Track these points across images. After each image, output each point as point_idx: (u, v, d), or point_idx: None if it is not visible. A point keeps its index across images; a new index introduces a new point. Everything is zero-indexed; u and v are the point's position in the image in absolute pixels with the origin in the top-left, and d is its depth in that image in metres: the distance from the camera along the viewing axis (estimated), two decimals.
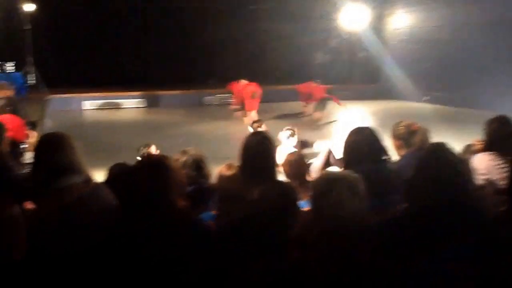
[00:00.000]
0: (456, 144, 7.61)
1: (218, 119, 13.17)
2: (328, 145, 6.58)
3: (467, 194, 2.18)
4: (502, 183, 3.29)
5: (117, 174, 3.41)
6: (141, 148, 5.93)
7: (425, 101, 14.96)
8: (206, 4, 16.91)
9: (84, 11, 16.08)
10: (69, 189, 2.42)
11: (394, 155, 3.51)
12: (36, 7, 15.19)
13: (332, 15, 17.35)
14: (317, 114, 12.88)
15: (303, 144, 6.91)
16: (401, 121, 3.70)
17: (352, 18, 16.95)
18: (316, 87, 13.23)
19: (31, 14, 15.18)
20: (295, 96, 14.02)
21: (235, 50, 17.51)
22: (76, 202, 2.39)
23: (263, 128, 7.61)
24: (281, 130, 7.01)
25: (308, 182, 3.91)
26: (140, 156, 5.72)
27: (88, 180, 2.55)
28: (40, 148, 2.64)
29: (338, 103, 13.13)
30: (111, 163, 7.50)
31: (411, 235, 2.07)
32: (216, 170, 3.89)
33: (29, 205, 2.80)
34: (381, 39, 17.50)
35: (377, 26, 17.54)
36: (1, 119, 5.06)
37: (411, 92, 15.45)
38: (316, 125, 12.04)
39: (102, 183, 2.75)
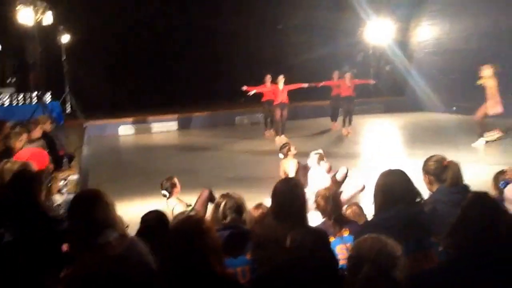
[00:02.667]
0: (484, 154, 7.71)
1: (250, 138, 13.31)
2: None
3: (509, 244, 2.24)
4: None
5: (152, 227, 3.53)
6: (164, 182, 5.96)
7: (453, 112, 14.92)
8: (233, 26, 17.23)
9: (116, 40, 16.68)
10: (109, 245, 2.52)
11: (425, 192, 3.59)
12: (71, 37, 15.83)
13: (358, 30, 17.51)
14: (345, 130, 12.99)
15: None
16: (432, 156, 3.76)
17: (377, 32, 17.06)
18: (343, 81, 13.33)
19: (67, 45, 15.82)
20: (323, 112, 14.09)
21: (263, 68, 17.75)
22: (117, 258, 2.44)
23: (292, 151, 7.60)
24: (309, 155, 7.09)
25: (343, 218, 4.05)
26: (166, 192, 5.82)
27: (124, 235, 2.68)
28: (77, 204, 2.74)
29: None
30: (147, 188, 7.83)
31: (460, 284, 2.13)
32: (249, 206, 4.09)
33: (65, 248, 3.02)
34: (406, 52, 17.55)
35: (403, 39, 17.59)
36: (25, 154, 5.30)
37: (438, 103, 15.43)
38: (346, 140, 12.11)
39: (137, 238, 2.83)
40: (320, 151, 7.25)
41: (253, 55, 17.74)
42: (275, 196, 3.13)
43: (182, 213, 3.72)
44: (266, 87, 12.90)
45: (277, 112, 12.47)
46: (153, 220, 3.67)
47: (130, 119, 15.56)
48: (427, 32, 17.29)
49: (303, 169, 7.28)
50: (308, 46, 17.44)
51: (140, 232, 3.55)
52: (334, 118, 13.91)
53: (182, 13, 17.33)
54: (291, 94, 12.94)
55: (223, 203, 3.57)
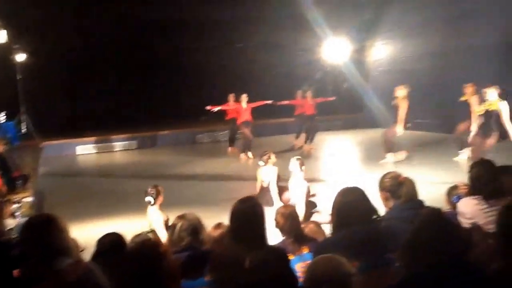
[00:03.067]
0: (438, 167, 7.88)
1: (211, 157, 13.27)
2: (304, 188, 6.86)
3: (465, 259, 2.31)
4: (488, 227, 3.41)
5: (108, 250, 3.45)
6: (150, 189, 5.76)
7: (408, 128, 15.29)
8: (195, 45, 17.24)
9: (73, 58, 16.39)
10: (64, 272, 2.47)
11: (382, 208, 3.66)
12: (27, 56, 15.47)
13: (316, 48, 17.84)
14: (307, 147, 13.12)
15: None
16: (388, 173, 3.82)
17: (334, 50, 17.44)
18: (307, 101, 13.54)
19: (22, 64, 15.44)
20: (286, 130, 14.19)
21: (223, 86, 17.83)
22: (72, 285, 2.43)
23: (272, 159, 7.76)
24: (289, 161, 7.16)
25: (302, 236, 4.05)
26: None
27: (79, 261, 2.62)
28: (29, 229, 2.65)
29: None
30: (104, 209, 7.71)
31: None
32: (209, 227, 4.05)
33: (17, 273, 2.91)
34: (362, 70, 18.00)
35: (359, 58, 18.05)
36: None
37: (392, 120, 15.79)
38: (309, 157, 12.25)
39: (92, 263, 2.79)
40: (300, 156, 7.35)
41: (214, 74, 17.79)
42: (233, 215, 3.09)
43: (138, 235, 3.63)
44: (230, 106, 12.96)
45: (245, 130, 12.55)
46: (108, 243, 3.60)
47: (89, 139, 15.29)
48: (382, 51, 17.82)
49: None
50: (267, 64, 17.61)
51: (95, 256, 3.48)
52: (298, 136, 14.07)
53: (144, 31, 17.20)
54: (255, 112, 13.03)
55: (178, 225, 3.52)
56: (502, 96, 8.34)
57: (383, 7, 17.21)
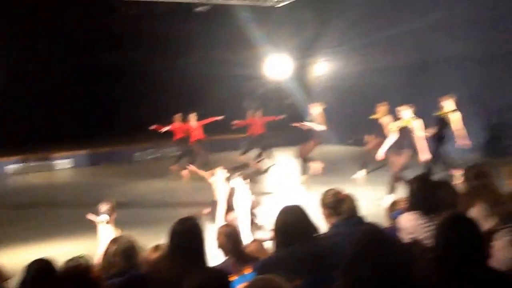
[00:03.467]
0: (377, 183, 8.01)
1: (151, 175, 12.97)
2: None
3: (404, 274, 2.29)
4: (428, 242, 3.44)
5: (35, 277, 3.23)
6: (103, 205, 5.45)
7: (349, 144, 15.64)
8: (134, 61, 16.91)
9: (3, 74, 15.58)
10: None
11: (324, 224, 3.62)
12: None
13: (259, 65, 18.00)
14: (255, 164, 13.18)
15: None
16: (329, 190, 3.81)
17: (277, 67, 17.66)
18: (255, 120, 13.57)
19: None
20: (235, 146, 14.13)
21: (163, 103, 17.60)
22: None
23: (220, 174, 7.40)
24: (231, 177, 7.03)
25: (245, 256, 3.95)
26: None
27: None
28: None
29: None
30: (34, 233, 7.34)
31: None
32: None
33: None
34: (305, 86, 18.28)
35: (301, 74, 18.35)
36: None
37: (336, 136, 16.08)
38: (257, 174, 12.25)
39: None
40: (243, 171, 7.35)
41: (153, 91, 17.50)
42: (171, 237, 2.98)
43: (71, 260, 3.41)
44: (177, 126, 12.73)
45: (198, 149, 12.39)
46: (36, 270, 3.32)
47: (19, 157, 14.59)
48: (324, 68, 18.17)
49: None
50: (210, 80, 17.53)
51: (21, 284, 3.26)
52: (244, 153, 13.95)
53: (80, 47, 16.65)
54: (207, 129, 12.95)
55: (111, 250, 3.34)
56: (416, 114, 8.61)
57: (325, 25, 17.62)
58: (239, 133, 14.71)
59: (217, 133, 15.72)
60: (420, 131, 8.53)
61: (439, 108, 9.27)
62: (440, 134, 9.18)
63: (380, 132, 9.81)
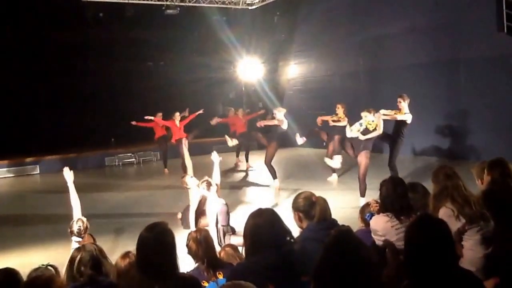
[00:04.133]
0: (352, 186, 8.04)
1: (123, 180, 12.72)
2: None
3: (375, 277, 2.28)
4: (399, 244, 3.41)
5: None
6: (75, 224, 5.17)
7: (322, 147, 15.72)
8: (99, 65, 16.61)
9: None
10: None
11: (296, 229, 3.58)
12: None
13: (230, 68, 17.95)
14: (247, 165, 13.49)
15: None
16: (301, 193, 3.77)
17: (248, 70, 17.65)
18: (237, 118, 13.65)
19: None
20: (202, 150, 14.07)
21: (134, 107, 17.37)
22: None
23: (190, 180, 7.57)
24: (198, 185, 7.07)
25: (217, 261, 3.89)
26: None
27: None
28: None
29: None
30: (3, 244, 7.12)
31: None
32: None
33: None
34: (277, 89, 18.31)
35: (273, 77, 18.37)
36: None
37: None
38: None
39: None
40: (206, 178, 7.20)
41: (127, 94, 17.21)
42: (140, 244, 2.84)
43: (37, 270, 3.30)
44: (159, 122, 12.92)
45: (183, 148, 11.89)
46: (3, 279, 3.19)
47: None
48: (295, 71, 18.24)
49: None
50: (183, 83, 17.35)
51: None
52: (237, 154, 14.11)
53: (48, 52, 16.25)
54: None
55: (77, 258, 3.23)
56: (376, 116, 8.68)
57: (295, 29, 17.69)
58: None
59: (203, 136, 15.62)
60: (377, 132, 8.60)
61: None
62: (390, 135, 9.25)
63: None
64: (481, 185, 4.50)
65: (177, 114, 12.66)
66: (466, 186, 4.08)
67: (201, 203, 7.37)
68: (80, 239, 5.16)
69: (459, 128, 12.55)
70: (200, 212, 7.36)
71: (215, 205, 6.85)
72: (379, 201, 4.17)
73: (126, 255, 3.90)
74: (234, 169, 13.54)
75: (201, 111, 13.16)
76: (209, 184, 6.97)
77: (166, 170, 13.21)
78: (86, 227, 5.23)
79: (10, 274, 3.28)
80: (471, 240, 3.91)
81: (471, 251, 3.89)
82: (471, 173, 4.71)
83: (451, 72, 12.59)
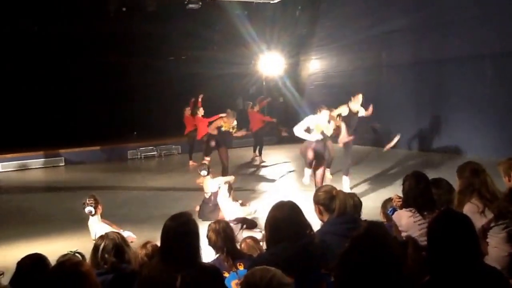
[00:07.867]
0: (373, 181, 8.08)
1: (144, 172, 12.84)
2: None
3: (400, 275, 2.23)
4: (422, 240, 3.41)
5: (27, 273, 3.25)
6: (87, 200, 5.68)
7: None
8: (126, 59, 16.74)
9: None
10: None
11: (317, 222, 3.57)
12: None
13: (251, 63, 17.92)
14: (259, 160, 13.57)
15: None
16: (322, 186, 3.78)
17: (269, 65, 17.60)
18: (254, 114, 13.88)
19: None
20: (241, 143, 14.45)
21: (158, 100, 17.59)
22: None
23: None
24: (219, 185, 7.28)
25: (237, 252, 3.91)
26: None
27: None
28: None
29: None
30: (26, 231, 7.31)
31: None
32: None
33: None
34: (298, 84, 18.23)
35: (294, 72, 18.28)
36: None
37: None
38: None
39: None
40: (228, 178, 7.53)
41: (148, 88, 17.36)
42: (164, 233, 2.90)
43: (65, 256, 3.40)
44: (189, 119, 13.46)
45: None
46: (28, 265, 3.34)
47: (9, 155, 14.39)
48: (316, 66, 18.11)
49: None
50: (203, 78, 17.39)
51: (14, 279, 3.29)
52: (254, 149, 14.17)
53: (70, 48, 16.42)
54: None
55: (101, 246, 3.33)
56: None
57: (317, 23, 17.56)
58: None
59: None
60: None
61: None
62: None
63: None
64: (508, 182, 4.42)
65: (201, 109, 12.98)
66: (494, 182, 4.02)
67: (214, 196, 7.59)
68: (92, 209, 5.62)
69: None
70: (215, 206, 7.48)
71: (228, 199, 7.03)
72: (402, 196, 4.15)
73: (145, 244, 4.01)
74: (250, 163, 13.60)
75: (225, 114, 13.08)
76: (230, 187, 7.08)
77: (192, 162, 13.35)
78: (97, 200, 5.70)
79: (39, 258, 3.40)
80: (497, 238, 3.85)
81: (496, 249, 3.83)
82: (495, 169, 4.61)
83: (478, 66, 12.30)
